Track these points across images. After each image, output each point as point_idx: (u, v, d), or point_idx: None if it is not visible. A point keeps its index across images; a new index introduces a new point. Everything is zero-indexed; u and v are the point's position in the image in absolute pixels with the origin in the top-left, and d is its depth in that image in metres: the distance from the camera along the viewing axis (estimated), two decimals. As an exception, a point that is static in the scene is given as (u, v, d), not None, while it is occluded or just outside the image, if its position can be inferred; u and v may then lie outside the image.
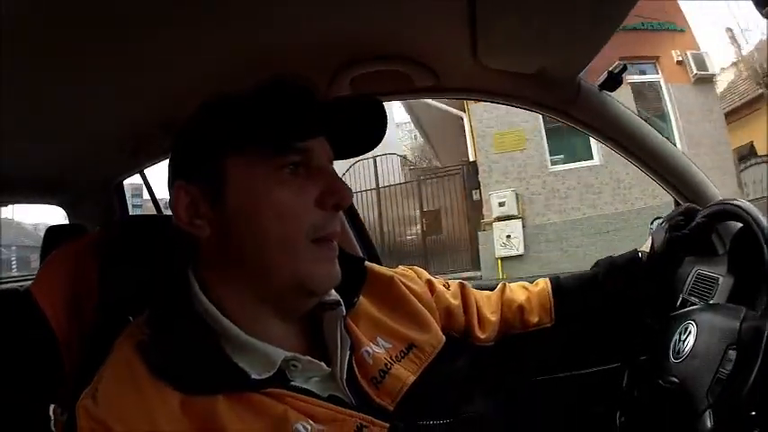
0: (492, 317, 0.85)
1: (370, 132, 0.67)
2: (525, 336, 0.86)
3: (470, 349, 0.81)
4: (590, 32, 0.85)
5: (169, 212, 0.63)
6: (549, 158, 7.82)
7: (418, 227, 8.53)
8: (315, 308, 0.64)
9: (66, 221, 1.81)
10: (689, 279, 0.97)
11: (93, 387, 0.52)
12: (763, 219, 0.76)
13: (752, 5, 0.61)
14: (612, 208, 7.64)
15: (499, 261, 7.45)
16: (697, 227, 0.85)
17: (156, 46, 0.86)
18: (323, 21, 0.85)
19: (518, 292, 0.90)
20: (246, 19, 0.81)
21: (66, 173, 1.53)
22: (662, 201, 7.46)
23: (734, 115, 10.05)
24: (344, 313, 0.64)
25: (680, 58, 7.91)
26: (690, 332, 0.74)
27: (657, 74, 7.97)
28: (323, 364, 0.59)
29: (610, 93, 1.05)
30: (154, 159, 1.48)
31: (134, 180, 1.74)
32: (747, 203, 0.80)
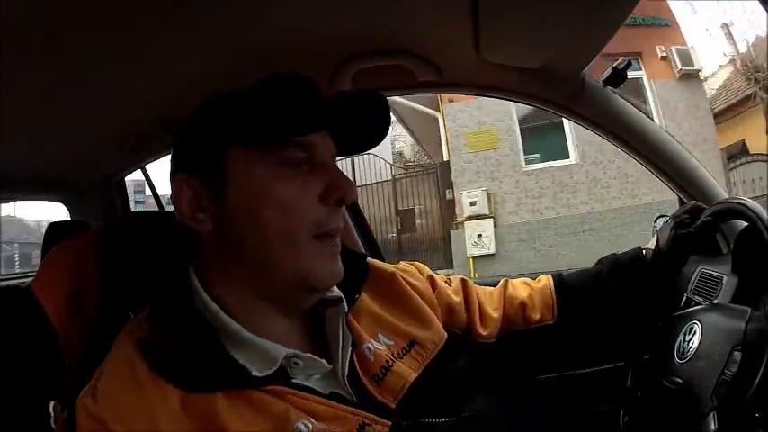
0: (494, 313, 0.85)
1: (373, 127, 0.66)
2: (527, 333, 0.86)
3: (472, 346, 0.81)
4: (594, 27, 0.85)
5: (171, 209, 0.62)
6: (523, 158, 7.86)
7: (394, 226, 8.66)
8: (316, 304, 0.63)
9: (68, 218, 1.81)
10: (693, 278, 0.96)
11: (93, 384, 0.52)
12: None
13: (749, 4, 0.60)
14: (588, 207, 7.66)
15: (471, 260, 7.51)
16: (702, 225, 0.85)
17: (156, 46, 0.86)
18: (324, 16, 0.84)
19: (520, 288, 0.90)
20: (247, 17, 0.81)
21: (68, 170, 1.53)
22: (641, 201, 7.54)
23: (729, 113, 10.03)
24: (346, 310, 0.63)
25: (664, 54, 7.85)
26: (695, 332, 0.74)
27: (640, 70, 7.90)
28: (324, 361, 0.58)
29: (614, 89, 1.04)
30: (155, 156, 1.48)
31: (136, 176, 1.74)
32: (754, 203, 0.80)
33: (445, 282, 0.84)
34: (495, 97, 1.16)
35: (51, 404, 0.64)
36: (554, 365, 1.10)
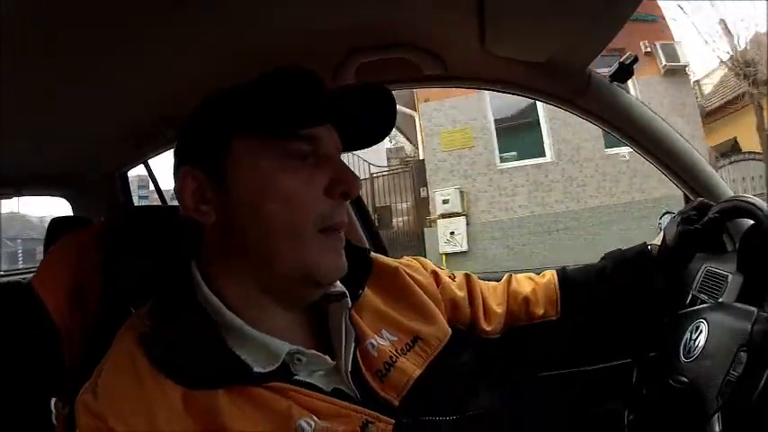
0: (498, 309, 0.84)
1: (378, 121, 0.66)
2: (530, 328, 0.85)
3: (476, 342, 0.80)
4: (601, 20, 0.84)
5: (174, 203, 0.62)
6: (497, 156, 7.92)
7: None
8: (319, 299, 0.63)
9: (71, 214, 1.81)
10: (698, 276, 0.95)
11: (94, 381, 0.52)
12: None
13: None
14: (563, 206, 7.71)
15: (443, 257, 7.59)
16: (709, 222, 0.84)
17: (156, 46, 0.86)
18: (325, 14, 0.84)
19: (524, 283, 0.89)
20: (247, 17, 0.81)
21: (70, 166, 1.54)
22: (619, 200, 7.54)
23: (722, 111, 9.99)
24: (350, 305, 0.63)
25: (648, 49, 7.80)
26: (701, 331, 0.73)
27: (623, 66, 7.91)
28: (327, 357, 0.58)
29: (621, 84, 1.03)
30: (157, 150, 1.49)
31: (140, 171, 1.75)
32: (761, 201, 0.79)
33: (449, 277, 0.84)
34: (501, 91, 1.15)
35: (53, 401, 0.63)
36: (558, 362, 1.09)
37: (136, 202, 1.95)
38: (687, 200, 1.08)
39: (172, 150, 0.65)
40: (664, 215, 1.12)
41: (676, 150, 1.05)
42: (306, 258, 0.57)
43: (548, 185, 7.75)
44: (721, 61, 9.76)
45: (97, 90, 0.99)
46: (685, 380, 0.70)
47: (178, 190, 0.59)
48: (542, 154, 7.87)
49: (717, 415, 0.62)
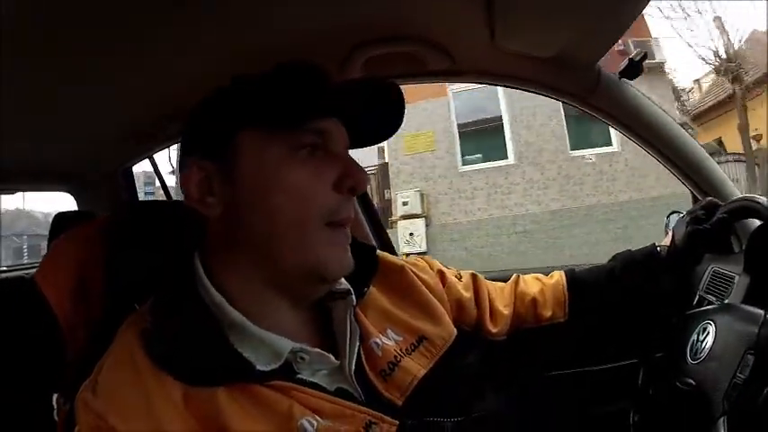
0: (504, 310, 0.83)
1: (386, 116, 0.65)
2: (538, 330, 0.84)
3: (482, 343, 0.79)
4: (611, 16, 0.83)
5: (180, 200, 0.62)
6: (459, 159, 8.09)
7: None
8: (323, 297, 0.62)
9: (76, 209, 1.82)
10: (705, 276, 0.95)
11: (94, 378, 0.51)
12: None
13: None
14: (523, 209, 7.81)
15: (403, 257, 7.81)
16: (718, 222, 0.84)
17: (156, 46, 0.86)
18: (326, 13, 0.84)
19: (532, 284, 0.88)
20: (247, 16, 0.81)
21: (74, 161, 1.54)
22: (583, 203, 7.54)
23: (710, 114, 9.94)
24: (354, 303, 0.62)
25: (621, 47, 7.67)
26: (708, 332, 0.72)
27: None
28: (332, 356, 0.57)
29: (629, 81, 1.03)
30: (159, 147, 1.48)
31: (147, 168, 1.75)
32: None
33: (455, 277, 0.83)
34: (510, 87, 1.13)
35: (54, 396, 0.63)
36: (565, 363, 1.09)
37: (142, 198, 1.95)
38: (695, 199, 1.07)
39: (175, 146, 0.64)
40: (671, 215, 1.11)
41: (685, 149, 1.05)
42: (311, 252, 0.56)
43: (507, 188, 7.88)
44: (703, 59, 9.70)
45: (97, 90, 0.99)
46: (692, 382, 0.69)
47: (184, 181, 0.58)
48: (505, 157, 8.01)
49: (722, 419, 0.61)
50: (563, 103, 1.10)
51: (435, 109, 7.89)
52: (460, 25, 0.92)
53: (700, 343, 0.73)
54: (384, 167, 8.47)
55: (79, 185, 1.74)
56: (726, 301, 0.83)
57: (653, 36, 8.04)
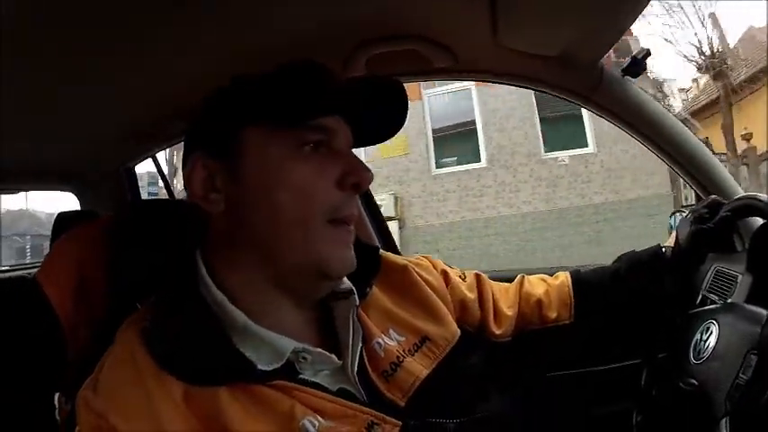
0: (509, 311, 0.82)
1: (389, 115, 0.65)
2: (543, 332, 0.83)
3: (485, 344, 0.78)
4: (614, 13, 0.82)
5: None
6: (433, 162, 8.11)
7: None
8: (326, 297, 0.62)
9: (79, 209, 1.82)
10: (708, 276, 0.94)
11: (95, 377, 0.51)
12: None
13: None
14: (495, 212, 7.83)
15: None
16: (721, 221, 0.83)
17: (156, 46, 0.86)
18: (327, 11, 0.83)
19: (537, 285, 0.87)
20: (247, 16, 0.81)
21: (76, 161, 1.54)
22: (555, 206, 7.54)
23: (699, 115, 9.89)
24: (357, 302, 0.62)
25: None
26: (711, 332, 0.72)
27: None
28: (334, 356, 0.57)
29: (632, 79, 1.02)
30: (162, 145, 1.49)
31: (151, 168, 1.76)
32: None
33: (459, 277, 0.82)
34: (513, 85, 1.13)
35: (56, 396, 0.63)
36: (569, 364, 1.08)
37: (145, 198, 1.95)
38: (698, 198, 1.06)
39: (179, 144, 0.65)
40: (674, 214, 1.11)
41: (688, 148, 1.04)
42: (314, 249, 0.56)
43: (479, 191, 7.90)
44: (685, 57, 9.60)
45: (97, 90, 0.99)
46: (695, 382, 0.69)
47: (188, 176, 0.58)
48: (478, 160, 8.04)
49: (725, 419, 0.61)
50: (563, 100, 1.10)
51: (409, 112, 7.86)
52: (463, 23, 0.91)
53: (703, 343, 0.72)
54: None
55: (80, 185, 1.75)
56: (729, 301, 0.83)
57: (633, 34, 8.02)
